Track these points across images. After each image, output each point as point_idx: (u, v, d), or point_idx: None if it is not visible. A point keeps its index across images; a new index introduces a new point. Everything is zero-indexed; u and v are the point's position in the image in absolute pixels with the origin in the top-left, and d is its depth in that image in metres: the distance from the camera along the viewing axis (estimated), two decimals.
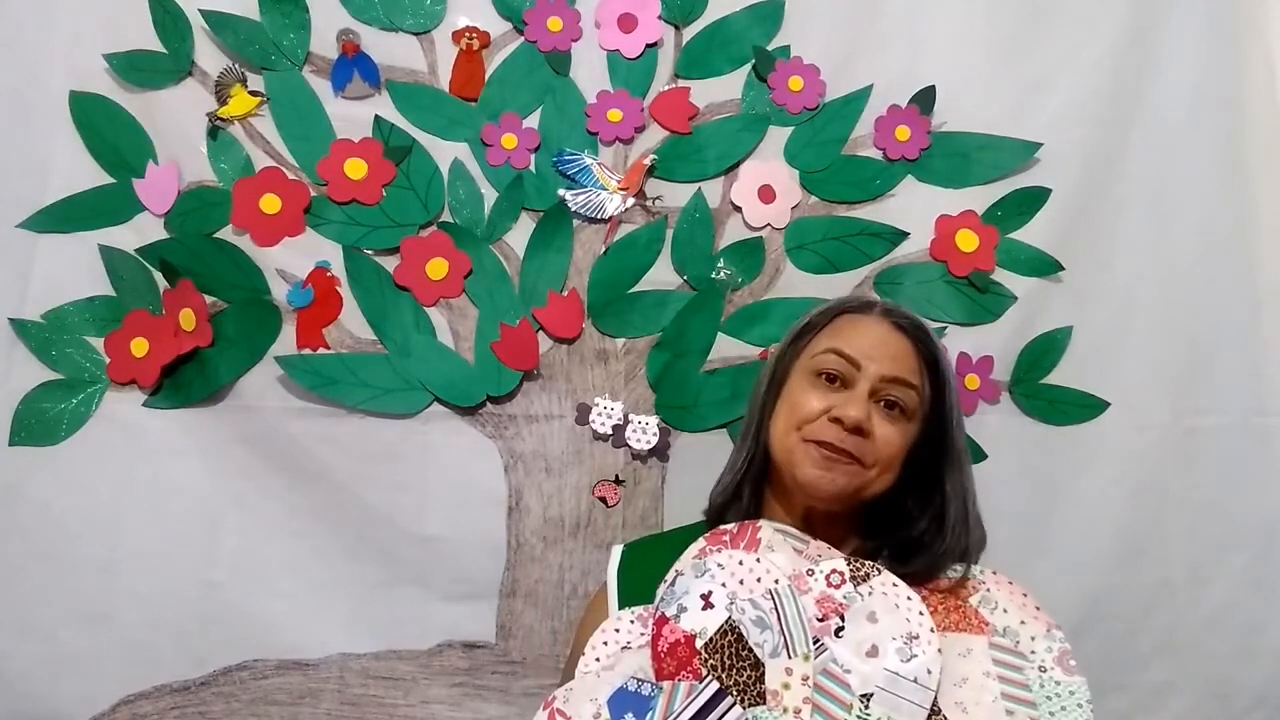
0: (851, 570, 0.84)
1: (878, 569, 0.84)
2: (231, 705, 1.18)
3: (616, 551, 0.98)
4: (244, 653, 1.19)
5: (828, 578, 0.84)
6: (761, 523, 0.90)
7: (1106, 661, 1.29)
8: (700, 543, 0.89)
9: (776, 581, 0.84)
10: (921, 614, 0.81)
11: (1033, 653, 0.83)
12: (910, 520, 0.91)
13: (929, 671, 0.78)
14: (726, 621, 0.81)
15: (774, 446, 0.91)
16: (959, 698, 0.79)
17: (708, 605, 0.82)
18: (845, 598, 0.83)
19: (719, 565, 0.85)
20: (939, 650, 0.79)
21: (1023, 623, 0.85)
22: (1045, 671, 0.82)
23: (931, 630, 0.80)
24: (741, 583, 0.83)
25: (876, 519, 0.92)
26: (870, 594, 0.83)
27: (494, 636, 1.23)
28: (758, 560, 0.85)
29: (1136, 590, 1.31)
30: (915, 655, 0.79)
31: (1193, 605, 1.32)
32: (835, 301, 0.98)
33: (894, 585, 0.83)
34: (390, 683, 1.21)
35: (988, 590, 0.87)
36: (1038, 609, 0.86)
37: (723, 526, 0.90)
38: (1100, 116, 1.37)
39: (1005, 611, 0.85)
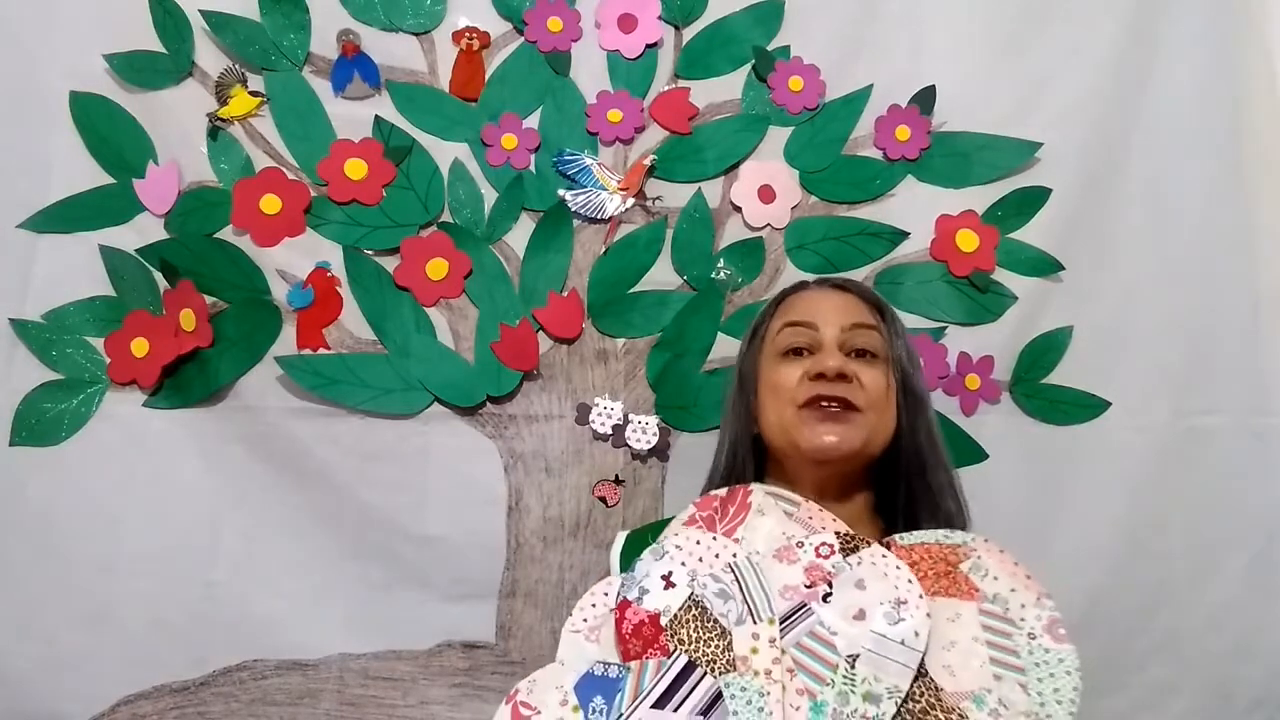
0: (841, 542, 0.85)
1: (867, 542, 0.85)
2: (231, 705, 1.18)
3: (620, 538, 0.97)
4: (244, 653, 1.19)
5: (817, 549, 0.84)
6: (753, 485, 0.90)
7: (1107, 661, 1.29)
8: (690, 509, 0.89)
9: (735, 555, 0.84)
10: (910, 581, 0.82)
11: (1022, 620, 0.82)
12: (910, 489, 0.93)
13: (916, 634, 0.78)
14: (689, 597, 0.81)
15: (772, 434, 0.93)
16: (946, 661, 0.78)
17: (669, 585, 0.82)
18: (834, 567, 0.83)
19: (677, 547, 0.85)
20: (927, 615, 0.79)
21: (1013, 590, 0.83)
22: (1034, 639, 0.80)
23: (920, 597, 0.80)
24: (701, 560, 0.84)
25: (882, 493, 0.94)
26: (859, 564, 0.83)
27: (494, 636, 1.23)
28: (714, 539, 0.86)
29: (1136, 590, 1.31)
30: (903, 619, 0.79)
31: (1193, 605, 1.32)
32: (773, 298, 1.03)
33: (883, 556, 0.84)
34: (390, 683, 1.21)
35: (979, 557, 0.86)
36: (1028, 577, 0.84)
37: (713, 492, 0.91)
38: (1100, 116, 1.37)
39: (996, 579, 0.84)
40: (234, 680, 1.18)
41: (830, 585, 0.81)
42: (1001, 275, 1.33)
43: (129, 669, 1.17)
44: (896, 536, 0.86)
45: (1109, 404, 1.33)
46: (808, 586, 0.81)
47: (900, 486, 0.93)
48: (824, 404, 0.89)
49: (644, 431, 1.26)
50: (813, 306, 0.96)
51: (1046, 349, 1.33)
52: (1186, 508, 1.33)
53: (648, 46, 1.32)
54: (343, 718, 1.19)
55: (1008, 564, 0.85)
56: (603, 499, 1.25)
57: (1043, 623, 0.81)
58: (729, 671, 0.77)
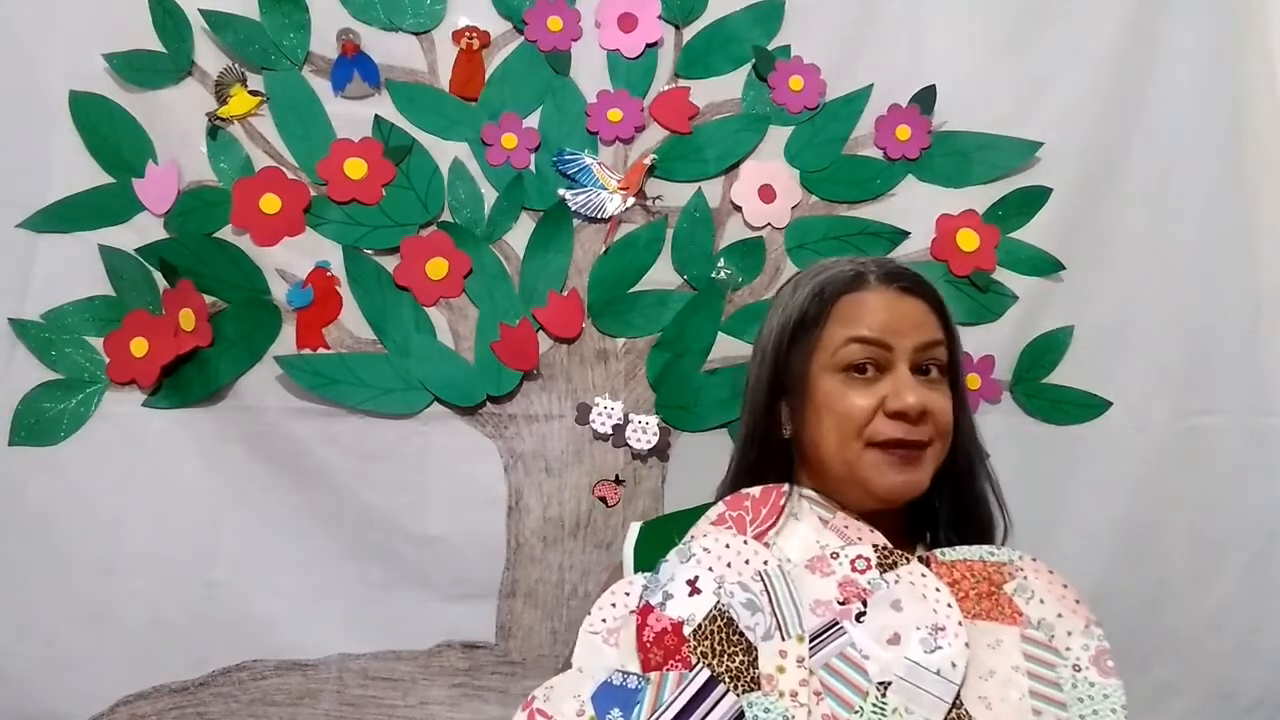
0: (879, 557, 0.79)
1: (906, 558, 0.80)
2: (230, 706, 1.18)
3: (634, 528, 0.92)
4: (243, 653, 1.19)
5: (853, 562, 0.79)
6: (787, 487, 0.85)
7: None
8: (719, 507, 0.85)
9: (765, 563, 0.79)
10: (950, 606, 0.77)
11: (1068, 649, 0.77)
12: (956, 496, 0.88)
13: (953, 665, 0.73)
14: (715, 606, 0.77)
15: (828, 457, 0.84)
16: (984, 692, 0.74)
17: (694, 591, 0.78)
18: (869, 584, 0.78)
19: (704, 550, 0.80)
20: (966, 644, 0.75)
21: (1060, 616, 0.78)
22: (1080, 671, 0.76)
23: (959, 624, 0.76)
24: (729, 566, 0.79)
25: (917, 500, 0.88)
26: (897, 582, 0.78)
27: (494, 637, 1.23)
28: (745, 542, 0.81)
29: (1136, 590, 1.31)
30: (940, 647, 0.74)
31: (1193, 605, 1.32)
32: (819, 284, 0.88)
33: (922, 575, 0.79)
34: (389, 683, 1.20)
35: (1025, 578, 0.80)
36: (1078, 602, 0.80)
37: (744, 490, 0.85)
38: (1100, 116, 1.37)
39: (1042, 602, 0.79)
40: (233, 680, 1.18)
41: (864, 603, 0.77)
42: (1002, 275, 1.33)
43: (129, 669, 1.16)
44: (937, 552, 0.81)
45: (1110, 404, 1.33)
46: (841, 603, 0.77)
47: (943, 493, 0.87)
48: (902, 448, 0.81)
49: (644, 431, 1.26)
50: (885, 322, 0.83)
51: (1047, 349, 1.33)
52: (1186, 508, 1.33)
53: (648, 46, 1.32)
54: (342, 718, 1.19)
55: (1056, 586, 0.80)
56: (603, 499, 1.25)
57: (1090, 653, 0.77)
58: (753, 690, 0.73)
